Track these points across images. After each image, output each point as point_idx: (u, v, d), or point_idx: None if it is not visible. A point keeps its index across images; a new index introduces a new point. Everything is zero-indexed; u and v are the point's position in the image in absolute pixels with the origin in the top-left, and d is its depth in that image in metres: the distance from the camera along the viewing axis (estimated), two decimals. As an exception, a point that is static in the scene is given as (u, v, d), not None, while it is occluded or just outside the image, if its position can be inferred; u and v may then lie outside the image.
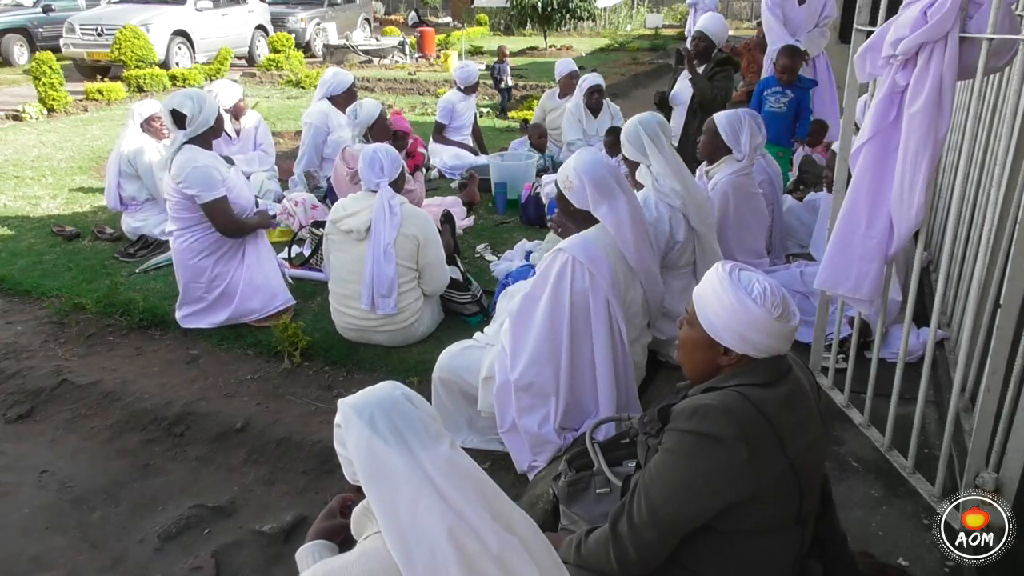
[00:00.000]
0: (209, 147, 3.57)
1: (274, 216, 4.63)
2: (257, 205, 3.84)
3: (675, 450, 1.52)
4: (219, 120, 3.58)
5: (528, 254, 4.28)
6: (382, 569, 1.26)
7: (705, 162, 3.62)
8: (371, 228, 3.26)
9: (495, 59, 10.21)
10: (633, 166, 3.20)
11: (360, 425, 1.29)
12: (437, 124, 6.56)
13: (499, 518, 1.28)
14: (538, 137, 6.10)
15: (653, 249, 2.81)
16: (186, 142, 3.47)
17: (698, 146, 3.63)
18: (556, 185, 2.73)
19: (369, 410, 1.31)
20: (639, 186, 3.15)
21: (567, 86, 6.38)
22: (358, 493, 1.37)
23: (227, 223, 3.54)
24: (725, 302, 1.53)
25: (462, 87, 6.49)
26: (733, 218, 3.47)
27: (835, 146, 3.48)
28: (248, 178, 4.73)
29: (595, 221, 2.62)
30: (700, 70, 4.95)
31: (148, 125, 4.82)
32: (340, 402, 1.37)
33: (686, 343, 1.65)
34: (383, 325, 3.39)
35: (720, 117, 3.50)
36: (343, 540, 1.73)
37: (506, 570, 1.24)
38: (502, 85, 9.79)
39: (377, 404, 1.33)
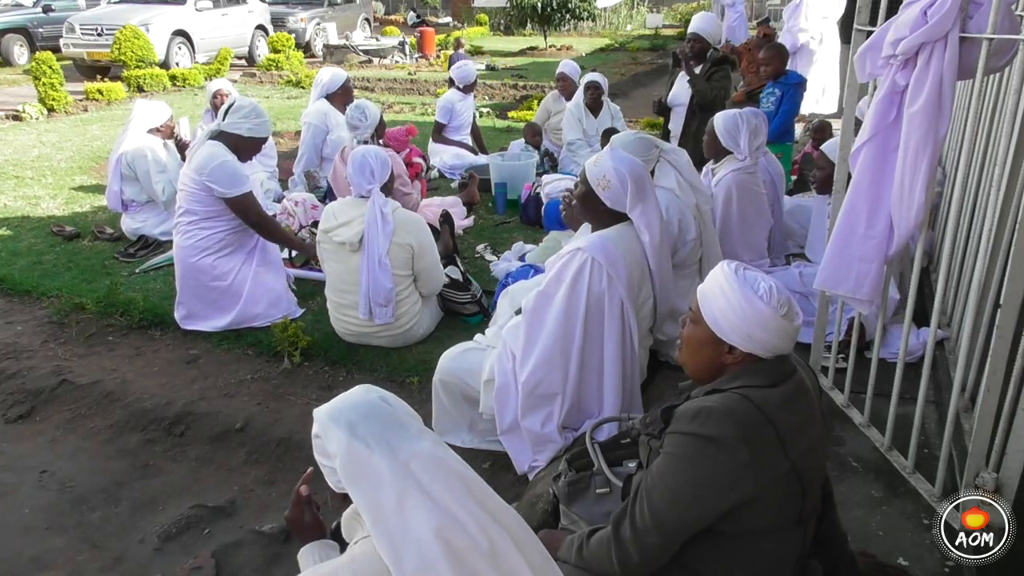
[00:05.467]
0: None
1: (273, 216, 4.64)
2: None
3: (677, 453, 1.52)
4: (256, 141, 3.66)
5: (524, 255, 4.28)
6: (372, 573, 1.25)
7: (712, 160, 3.64)
8: (364, 239, 3.23)
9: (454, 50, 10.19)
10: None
11: (339, 432, 1.28)
12: (436, 124, 6.57)
13: (487, 511, 1.27)
14: (532, 135, 6.15)
15: (669, 252, 2.81)
16: (214, 137, 3.54)
17: (703, 145, 3.65)
18: (587, 183, 2.56)
19: (346, 416, 1.29)
20: None
21: (562, 88, 6.40)
22: (345, 500, 1.35)
23: (259, 218, 3.65)
24: (732, 300, 1.52)
25: (460, 86, 6.52)
26: (736, 215, 3.48)
27: (826, 146, 3.51)
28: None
29: (617, 222, 2.57)
30: (697, 70, 4.95)
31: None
32: (315, 412, 1.34)
33: (690, 341, 1.64)
34: (383, 331, 3.39)
35: (718, 120, 3.52)
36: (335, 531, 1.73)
37: (496, 564, 1.24)
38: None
39: (353, 409, 1.31)
